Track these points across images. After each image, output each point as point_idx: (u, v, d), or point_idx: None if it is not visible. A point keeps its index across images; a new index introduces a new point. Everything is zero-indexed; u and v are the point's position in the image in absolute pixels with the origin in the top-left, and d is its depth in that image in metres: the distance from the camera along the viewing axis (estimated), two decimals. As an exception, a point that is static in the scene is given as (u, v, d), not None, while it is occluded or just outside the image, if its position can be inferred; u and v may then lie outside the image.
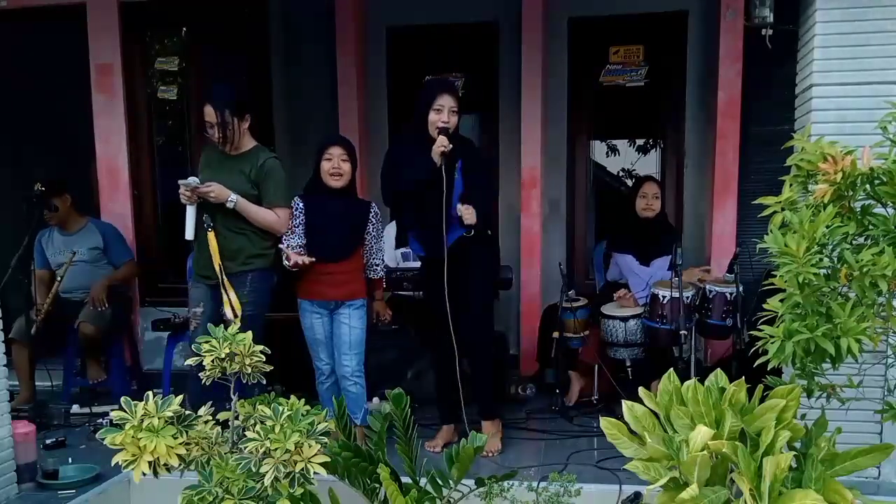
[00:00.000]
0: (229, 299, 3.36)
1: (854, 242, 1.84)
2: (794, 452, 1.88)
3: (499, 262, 3.79)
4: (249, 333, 2.13)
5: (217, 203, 3.37)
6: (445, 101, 3.31)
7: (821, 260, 1.79)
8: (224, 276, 3.36)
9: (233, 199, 3.37)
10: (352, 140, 3.80)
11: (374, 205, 3.60)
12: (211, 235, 3.38)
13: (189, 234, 3.40)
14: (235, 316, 3.32)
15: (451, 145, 3.26)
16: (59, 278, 4.37)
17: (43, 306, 4.29)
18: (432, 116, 3.31)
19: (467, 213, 3.29)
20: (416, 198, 3.37)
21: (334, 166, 3.40)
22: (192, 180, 3.36)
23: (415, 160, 3.33)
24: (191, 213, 3.38)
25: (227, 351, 2.05)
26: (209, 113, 3.41)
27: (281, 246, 3.43)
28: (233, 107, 3.41)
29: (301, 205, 3.49)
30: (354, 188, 3.56)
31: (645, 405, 2.00)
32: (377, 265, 3.61)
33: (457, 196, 3.37)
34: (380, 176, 3.52)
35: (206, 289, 3.49)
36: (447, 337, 3.38)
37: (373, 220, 3.55)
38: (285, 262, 3.41)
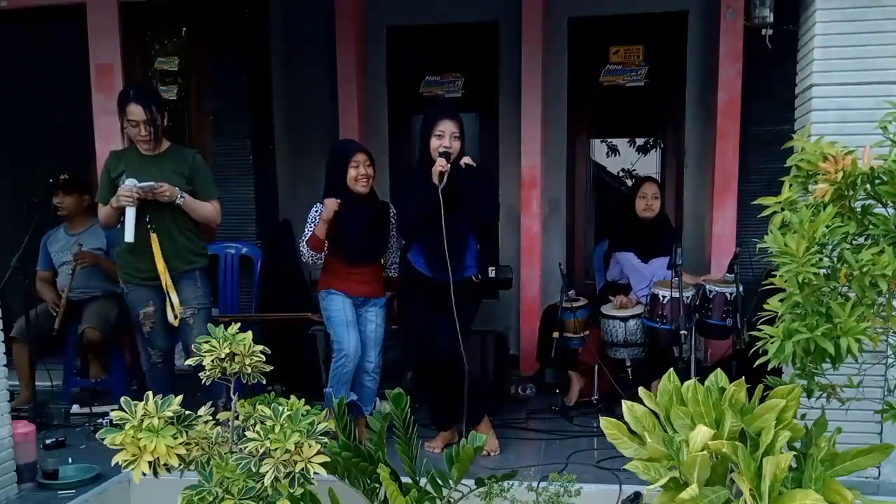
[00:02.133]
0: (171, 303, 3.48)
1: (854, 242, 1.84)
2: (794, 452, 1.88)
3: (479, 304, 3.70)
4: (250, 333, 2.13)
5: (168, 202, 3.44)
6: (446, 127, 3.29)
7: (821, 260, 1.79)
8: (169, 279, 3.46)
9: (183, 196, 3.47)
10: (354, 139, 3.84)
11: (391, 205, 3.66)
12: (154, 237, 3.44)
13: (130, 236, 3.39)
14: (175, 317, 3.49)
15: (449, 166, 3.22)
16: (69, 275, 4.35)
17: (60, 304, 4.26)
18: (433, 143, 3.29)
19: (467, 158, 3.29)
20: (424, 226, 3.33)
21: (361, 173, 3.43)
22: (133, 182, 3.37)
23: (419, 190, 3.31)
24: (131, 215, 3.37)
25: (227, 351, 2.05)
26: (136, 112, 3.47)
27: (303, 242, 3.47)
28: (158, 104, 3.53)
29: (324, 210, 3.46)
30: (374, 191, 3.59)
31: (645, 405, 2.01)
32: (396, 264, 3.67)
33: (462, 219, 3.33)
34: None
35: (149, 289, 3.54)
36: (430, 351, 3.39)
37: (392, 220, 3.62)
38: (305, 252, 3.45)
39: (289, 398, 2.04)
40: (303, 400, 2.04)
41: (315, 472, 1.91)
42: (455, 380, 3.42)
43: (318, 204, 3.50)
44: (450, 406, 3.56)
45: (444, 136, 3.29)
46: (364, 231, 3.47)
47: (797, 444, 1.93)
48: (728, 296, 3.67)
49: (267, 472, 1.86)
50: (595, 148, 6.03)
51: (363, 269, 3.53)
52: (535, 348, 4.52)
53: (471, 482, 2.29)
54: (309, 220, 3.50)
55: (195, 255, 3.63)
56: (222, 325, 2.13)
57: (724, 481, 1.84)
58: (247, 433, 1.94)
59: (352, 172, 3.42)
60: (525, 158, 4.95)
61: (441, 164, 3.22)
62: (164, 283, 3.46)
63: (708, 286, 3.77)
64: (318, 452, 1.91)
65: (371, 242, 3.53)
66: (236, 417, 2.12)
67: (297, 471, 1.88)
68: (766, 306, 1.91)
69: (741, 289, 3.65)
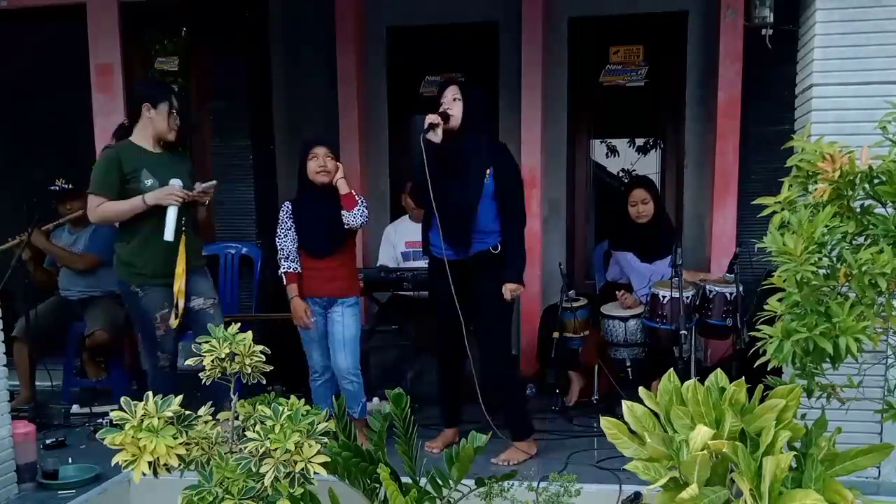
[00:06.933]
0: (177, 308, 3.42)
1: (854, 242, 1.84)
2: (794, 452, 1.88)
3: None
4: (250, 333, 2.13)
5: (199, 203, 3.49)
6: (448, 92, 3.36)
7: (820, 259, 1.79)
8: (184, 282, 3.42)
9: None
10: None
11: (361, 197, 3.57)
12: (184, 238, 3.42)
13: (170, 235, 3.34)
14: (177, 319, 3.42)
15: (438, 119, 3.26)
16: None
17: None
18: (441, 108, 3.35)
19: (513, 290, 3.35)
20: (427, 195, 3.33)
21: (320, 164, 3.45)
22: (177, 182, 3.37)
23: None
24: (173, 215, 3.34)
25: (227, 351, 2.05)
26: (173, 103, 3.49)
27: (280, 270, 3.57)
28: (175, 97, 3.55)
29: (290, 208, 3.56)
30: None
31: (645, 405, 2.00)
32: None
33: (486, 196, 3.32)
34: None
35: (164, 290, 3.44)
36: (456, 340, 3.35)
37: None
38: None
39: (289, 398, 2.04)
40: (303, 400, 2.04)
41: (315, 472, 1.91)
42: (458, 373, 3.42)
43: (287, 203, 3.58)
44: (454, 402, 3.57)
45: (447, 99, 3.35)
46: (319, 224, 3.47)
47: (797, 444, 1.93)
48: (728, 296, 3.67)
49: (267, 472, 1.86)
50: (595, 148, 6.04)
51: (326, 264, 3.50)
52: (535, 348, 4.52)
53: (471, 482, 2.29)
54: (279, 222, 3.55)
55: (202, 253, 3.70)
56: (222, 325, 2.13)
57: (724, 481, 1.84)
58: (247, 433, 1.94)
59: (310, 165, 3.46)
60: (525, 158, 4.95)
61: (431, 117, 3.27)
62: (177, 287, 3.40)
63: (708, 286, 3.77)
64: (318, 452, 1.91)
65: (325, 236, 3.49)
66: (236, 417, 2.12)
67: (297, 471, 1.88)
68: (765, 306, 1.91)
69: (741, 289, 3.65)
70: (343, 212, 3.42)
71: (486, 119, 3.43)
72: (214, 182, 3.46)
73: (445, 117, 3.30)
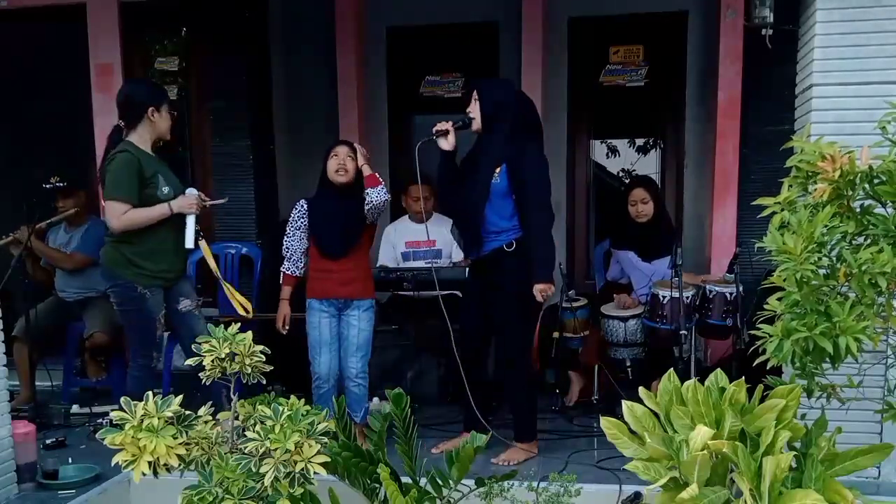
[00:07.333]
0: (238, 299, 3.47)
1: (854, 242, 1.84)
2: (794, 452, 1.88)
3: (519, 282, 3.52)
4: (250, 333, 2.13)
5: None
6: (472, 94, 3.36)
7: (819, 259, 1.79)
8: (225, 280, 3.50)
9: None
10: (351, 140, 3.83)
11: None
12: (203, 243, 3.44)
13: (191, 242, 3.36)
14: (247, 312, 3.47)
15: (446, 126, 3.28)
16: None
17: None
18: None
19: (542, 291, 3.24)
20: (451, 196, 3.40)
21: (339, 163, 3.46)
22: (193, 191, 3.40)
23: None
24: (192, 222, 3.37)
25: (227, 351, 2.05)
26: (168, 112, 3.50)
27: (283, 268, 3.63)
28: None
29: (305, 207, 3.56)
30: (361, 186, 3.56)
31: (645, 405, 2.01)
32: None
33: (496, 195, 3.28)
34: None
35: (162, 292, 3.44)
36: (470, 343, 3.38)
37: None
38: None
39: (289, 398, 2.04)
40: (303, 400, 2.04)
41: (315, 472, 1.91)
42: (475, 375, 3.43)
43: (302, 200, 3.58)
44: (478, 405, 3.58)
45: (470, 102, 3.35)
46: (333, 225, 3.48)
47: (797, 444, 1.93)
48: (728, 296, 3.67)
49: (267, 472, 1.86)
50: (595, 148, 6.03)
51: (341, 265, 3.49)
52: (535, 348, 4.51)
53: (471, 482, 2.29)
54: (290, 221, 3.57)
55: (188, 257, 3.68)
56: (222, 325, 2.13)
57: (724, 481, 1.84)
58: (247, 433, 1.94)
59: (330, 164, 3.48)
60: (525, 158, 4.95)
61: (439, 126, 3.29)
62: (227, 288, 3.49)
63: (708, 286, 3.77)
64: (318, 452, 1.91)
65: (339, 237, 3.49)
66: (236, 417, 2.12)
67: (297, 471, 1.88)
68: (765, 306, 1.91)
69: (741, 289, 3.65)
70: (367, 189, 3.43)
71: (506, 116, 3.26)
72: (226, 199, 3.63)
73: (467, 123, 3.30)
